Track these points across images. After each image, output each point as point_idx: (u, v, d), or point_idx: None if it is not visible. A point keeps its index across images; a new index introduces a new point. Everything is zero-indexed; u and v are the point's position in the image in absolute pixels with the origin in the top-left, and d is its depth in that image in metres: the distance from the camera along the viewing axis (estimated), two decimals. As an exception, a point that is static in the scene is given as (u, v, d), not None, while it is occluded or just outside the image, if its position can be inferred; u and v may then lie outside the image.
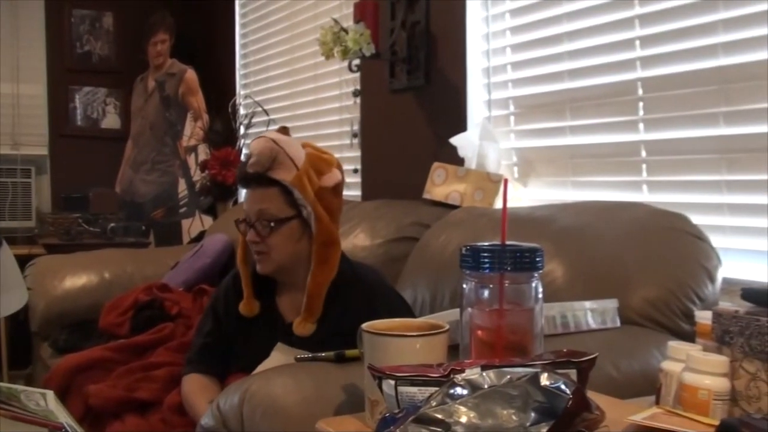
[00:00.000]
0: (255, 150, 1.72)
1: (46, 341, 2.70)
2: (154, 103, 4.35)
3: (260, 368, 1.62)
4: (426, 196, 2.48)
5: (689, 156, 1.88)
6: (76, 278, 2.88)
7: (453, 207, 2.33)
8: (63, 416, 1.35)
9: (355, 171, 3.13)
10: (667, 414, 0.98)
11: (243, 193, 1.78)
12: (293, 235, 1.73)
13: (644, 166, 2.00)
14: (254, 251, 1.75)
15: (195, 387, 1.79)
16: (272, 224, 1.71)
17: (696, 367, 1.03)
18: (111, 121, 4.81)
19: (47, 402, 1.41)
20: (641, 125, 2.00)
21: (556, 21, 2.23)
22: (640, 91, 1.99)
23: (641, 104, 1.99)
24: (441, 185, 2.43)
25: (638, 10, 1.98)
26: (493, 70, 2.49)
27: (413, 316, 1.79)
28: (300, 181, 1.70)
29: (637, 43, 1.99)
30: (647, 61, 1.96)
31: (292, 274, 1.77)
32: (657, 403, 1.10)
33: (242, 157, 1.79)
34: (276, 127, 1.91)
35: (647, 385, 1.25)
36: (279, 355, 1.66)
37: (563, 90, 2.22)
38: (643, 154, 2.00)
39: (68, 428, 1.27)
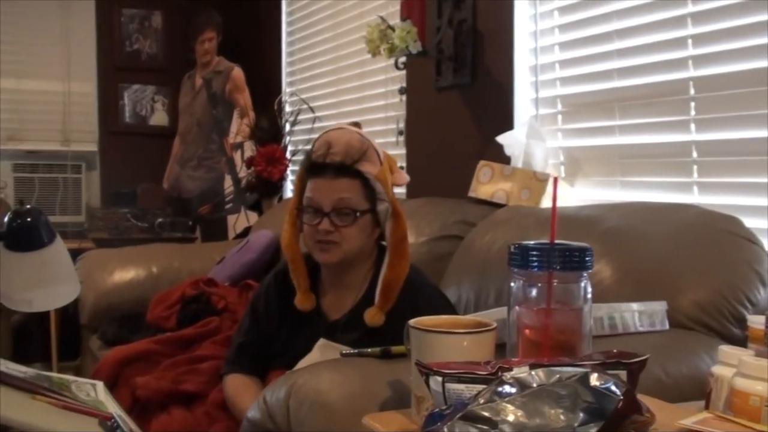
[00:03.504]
0: (342, 140, 1.71)
1: (95, 333, 2.76)
2: (202, 101, 4.40)
3: (302, 363, 1.62)
4: (471, 194, 2.47)
5: (742, 157, 1.84)
6: (125, 272, 2.93)
7: (499, 206, 2.31)
8: (112, 407, 1.37)
9: (401, 169, 3.13)
10: (718, 419, 0.96)
11: (310, 182, 1.73)
12: (366, 229, 1.73)
13: (695, 167, 1.97)
14: (322, 240, 1.71)
15: (237, 386, 1.81)
16: (357, 214, 1.71)
17: (748, 373, 1.00)
18: (159, 118, 4.88)
19: (97, 393, 1.43)
20: (693, 125, 1.97)
21: (605, 19, 2.20)
22: (692, 91, 1.96)
23: (693, 104, 1.96)
24: (487, 184, 2.42)
25: (691, 8, 1.95)
26: (541, 68, 2.47)
27: (456, 314, 1.79)
28: (384, 176, 1.72)
29: (690, 41, 1.95)
30: (700, 60, 1.93)
31: (348, 269, 1.77)
32: (707, 407, 1.09)
33: (314, 146, 1.77)
34: (351, 121, 1.93)
35: (696, 389, 1.23)
36: (321, 351, 1.67)
37: (612, 89, 2.19)
38: (695, 154, 1.97)
39: (118, 419, 1.29)
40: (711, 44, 1.90)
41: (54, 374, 1.42)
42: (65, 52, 4.60)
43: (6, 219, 1.43)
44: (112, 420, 1.27)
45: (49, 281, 1.47)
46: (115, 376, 2.06)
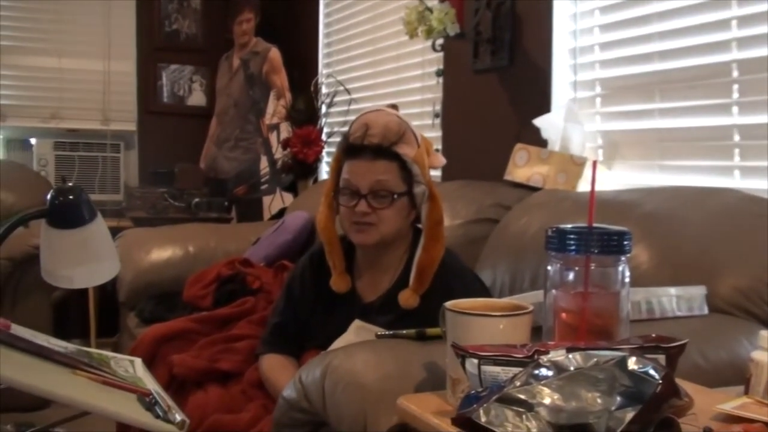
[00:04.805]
0: (380, 122, 1.71)
1: (133, 311, 2.79)
2: (239, 82, 4.41)
3: (337, 344, 1.63)
4: (507, 177, 2.46)
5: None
6: (162, 251, 2.95)
7: (535, 189, 2.30)
8: (151, 383, 1.39)
9: (437, 151, 3.12)
10: (758, 404, 0.96)
11: (347, 163, 1.73)
12: (402, 211, 1.74)
13: (737, 150, 1.94)
14: (359, 222, 1.72)
15: (273, 365, 1.83)
16: (395, 196, 1.71)
17: (789, 358, 0.99)
18: (197, 98, 4.90)
19: (135, 369, 1.46)
20: (735, 108, 1.93)
21: (647, 0, 2.17)
22: (735, 73, 1.92)
23: (736, 86, 1.93)
24: (523, 167, 2.40)
25: (736, -11, 1.91)
26: (580, 51, 2.44)
27: (490, 297, 1.79)
28: (422, 158, 1.72)
29: (734, 23, 1.92)
30: (744, 42, 1.89)
31: (384, 251, 1.78)
32: (746, 393, 1.07)
33: (351, 128, 1.77)
34: (389, 103, 1.93)
35: (735, 374, 1.21)
36: (356, 332, 1.67)
37: (653, 71, 2.16)
38: (737, 138, 1.94)
39: (156, 395, 1.31)
40: (757, 25, 1.86)
41: (94, 350, 1.45)
42: (105, 31, 4.64)
43: (48, 196, 1.45)
44: (151, 396, 1.29)
45: (89, 258, 1.49)
46: (153, 353, 2.08)
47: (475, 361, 0.91)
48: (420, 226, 1.77)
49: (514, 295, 1.81)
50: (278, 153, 4.16)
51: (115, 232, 2.99)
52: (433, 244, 1.72)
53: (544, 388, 0.80)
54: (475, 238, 2.28)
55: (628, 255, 1.06)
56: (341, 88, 3.91)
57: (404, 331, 1.39)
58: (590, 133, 2.39)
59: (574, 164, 2.25)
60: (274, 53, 4.37)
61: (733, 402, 0.95)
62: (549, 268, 1.08)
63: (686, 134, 2.08)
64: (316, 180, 3.98)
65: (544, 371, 0.82)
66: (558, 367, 0.82)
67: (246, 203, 4.35)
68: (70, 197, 1.45)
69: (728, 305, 1.52)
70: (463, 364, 0.93)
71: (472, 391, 0.87)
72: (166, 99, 4.85)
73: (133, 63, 4.76)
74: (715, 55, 1.97)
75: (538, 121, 2.39)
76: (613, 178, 2.29)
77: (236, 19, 4.42)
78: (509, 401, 0.80)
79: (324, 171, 4.16)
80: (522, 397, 0.80)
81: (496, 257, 2.12)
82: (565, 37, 2.47)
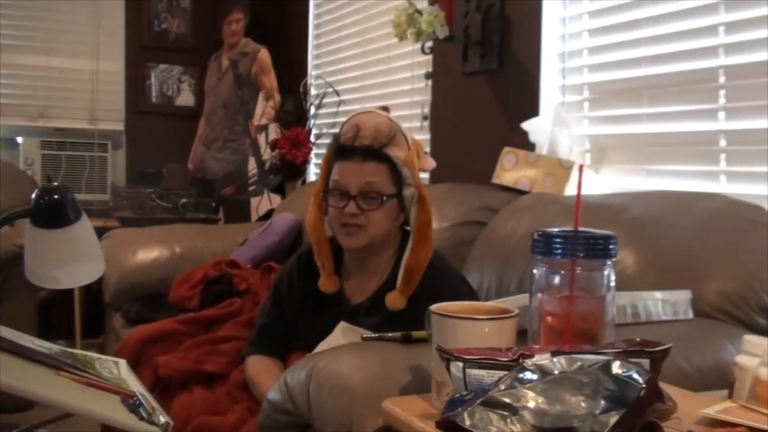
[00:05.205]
0: (371, 124, 1.71)
1: (119, 312, 2.78)
2: (228, 82, 4.40)
3: (322, 346, 1.63)
4: (495, 180, 2.46)
5: (772, 147, 1.82)
6: (149, 251, 2.94)
7: (522, 192, 2.31)
8: (135, 385, 1.38)
9: (425, 154, 3.12)
10: (741, 409, 0.96)
11: (338, 164, 1.73)
12: (391, 213, 1.74)
13: (723, 155, 1.95)
14: (347, 224, 1.71)
15: (258, 367, 1.82)
16: (384, 198, 1.71)
17: (773, 363, 1.00)
18: (185, 98, 4.89)
19: (120, 370, 1.44)
20: (722, 114, 1.94)
21: (636, 5, 2.18)
22: (722, 79, 1.93)
23: (722, 92, 1.94)
24: (511, 170, 2.41)
25: (723, -6, 1.92)
26: (569, 55, 2.45)
27: (477, 300, 1.79)
28: (412, 161, 1.72)
29: (722, 29, 1.92)
30: (731, 48, 1.90)
31: (372, 254, 1.78)
32: (730, 397, 1.08)
33: (342, 129, 1.77)
34: (380, 105, 1.93)
35: (719, 379, 1.22)
36: (342, 334, 1.67)
37: (641, 76, 2.16)
38: (723, 143, 1.94)
39: (140, 397, 1.30)
40: (744, 31, 1.87)
41: (78, 351, 1.44)
42: (94, 30, 4.61)
43: (33, 196, 1.44)
44: (135, 398, 1.28)
45: (74, 259, 1.47)
46: (138, 354, 2.07)
47: (460, 364, 0.91)
48: (408, 228, 1.77)
49: (500, 297, 1.82)
50: (266, 154, 4.16)
51: (101, 232, 2.99)
52: (421, 246, 1.72)
53: (529, 392, 0.80)
54: (462, 241, 2.28)
55: (614, 259, 1.06)
56: (330, 89, 3.90)
57: (390, 334, 1.39)
58: (578, 137, 2.39)
59: (561, 168, 2.26)
60: (264, 54, 4.36)
61: (717, 406, 0.95)
62: (535, 271, 1.08)
63: (673, 139, 2.09)
64: (304, 181, 3.98)
65: (528, 375, 0.82)
66: (543, 371, 0.82)
67: (233, 204, 4.34)
68: (55, 197, 1.43)
69: (713, 309, 1.53)
70: (448, 368, 0.93)
71: (457, 395, 0.87)
72: (155, 99, 4.83)
73: (122, 62, 4.74)
74: (703, 60, 1.98)
75: (527, 125, 2.40)
76: (600, 182, 2.30)
77: (226, 19, 4.41)
78: (494, 405, 0.80)
79: (312, 173, 4.15)
80: (506, 400, 0.80)
81: (483, 260, 2.12)
82: (554, 41, 2.48)
